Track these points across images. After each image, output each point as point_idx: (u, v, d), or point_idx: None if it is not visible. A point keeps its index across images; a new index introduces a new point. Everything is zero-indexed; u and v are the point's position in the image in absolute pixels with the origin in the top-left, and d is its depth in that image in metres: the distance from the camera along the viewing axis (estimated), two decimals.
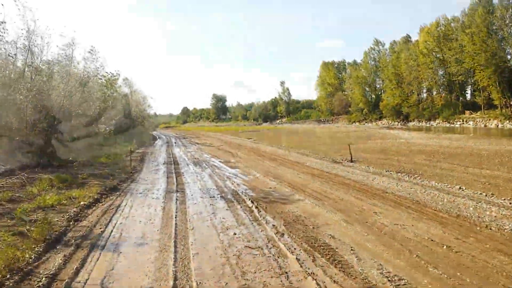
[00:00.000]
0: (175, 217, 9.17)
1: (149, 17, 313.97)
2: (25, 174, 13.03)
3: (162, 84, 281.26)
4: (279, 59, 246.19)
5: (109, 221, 8.94)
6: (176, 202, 10.91)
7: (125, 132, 35.50)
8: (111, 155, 22.91)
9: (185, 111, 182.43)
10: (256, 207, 10.04)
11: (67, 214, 9.23)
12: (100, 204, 10.73)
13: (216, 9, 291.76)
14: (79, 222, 8.82)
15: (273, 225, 8.46)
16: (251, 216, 9.28)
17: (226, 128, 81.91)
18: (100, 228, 8.40)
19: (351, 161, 20.19)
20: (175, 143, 39.78)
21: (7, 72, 18.67)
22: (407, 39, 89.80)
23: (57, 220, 8.72)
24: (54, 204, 9.99)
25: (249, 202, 10.69)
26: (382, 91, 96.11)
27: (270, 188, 13.07)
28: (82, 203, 10.37)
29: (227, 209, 9.99)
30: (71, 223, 8.67)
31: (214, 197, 11.59)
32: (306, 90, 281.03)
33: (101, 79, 34.84)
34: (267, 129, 72.34)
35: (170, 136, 59.01)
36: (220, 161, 21.40)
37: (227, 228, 8.30)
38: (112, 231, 8.24)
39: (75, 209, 9.78)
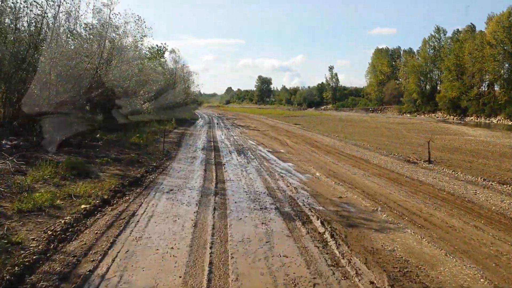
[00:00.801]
0: (210, 247, 5.88)
1: None
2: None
3: (207, 63, 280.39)
4: (325, 45, 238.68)
5: (110, 247, 5.75)
6: (213, 214, 7.61)
7: (166, 110, 32.76)
8: (146, 134, 20.01)
9: (229, 91, 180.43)
10: (332, 235, 6.59)
11: (52, 227, 6.14)
12: (109, 208, 7.58)
13: None
14: (64, 245, 5.69)
15: (371, 283, 5.00)
16: (327, 254, 5.84)
17: (270, 111, 78.34)
18: (92, 262, 5.22)
19: (429, 161, 16.29)
20: (217, 124, 36.77)
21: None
22: (471, 28, 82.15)
23: (33, 240, 5.64)
24: (43, 206, 6.95)
25: (317, 223, 7.25)
26: (439, 82, 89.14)
27: (340, 197, 9.55)
28: (82, 206, 7.29)
29: (287, 236, 6.58)
30: (51, 246, 5.55)
31: (266, 208, 8.21)
32: (352, 78, 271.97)
33: (145, 51, 32.17)
34: (312, 115, 68.10)
35: (213, 116, 56.23)
36: (268, 151, 18.02)
37: (295, 284, 4.90)
38: (108, 270, 5.04)
39: (68, 217, 6.69)
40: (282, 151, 18.22)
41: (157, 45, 34.27)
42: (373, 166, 14.74)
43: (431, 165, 15.56)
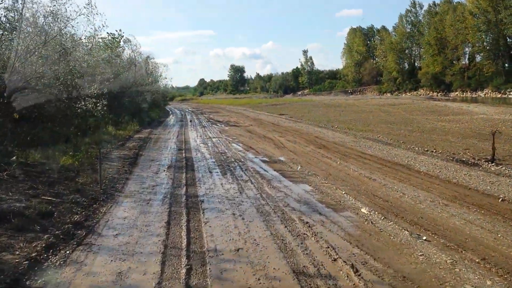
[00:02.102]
0: None
1: None
2: None
3: (178, 57, 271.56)
4: (295, 30, 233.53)
5: None
6: None
7: (127, 108, 26.82)
8: (86, 149, 14.25)
9: (202, 83, 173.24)
10: None
11: None
12: None
13: None
14: None
15: None
16: None
17: (247, 101, 72.54)
18: None
19: (492, 161, 11.27)
20: (190, 121, 30.92)
21: None
22: (448, 0, 78.08)
23: None
24: None
25: None
26: (418, 58, 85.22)
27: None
28: None
29: None
30: None
31: None
32: (323, 60, 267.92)
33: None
34: (293, 102, 62.70)
35: (186, 111, 50.08)
36: (262, 161, 12.57)
37: None
38: None
39: None
40: (281, 159, 12.81)
41: (109, 33, 28.05)
42: (429, 179, 9.53)
43: (499, 167, 10.52)
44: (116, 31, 29.14)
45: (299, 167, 11.22)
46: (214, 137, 19.23)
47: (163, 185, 9.44)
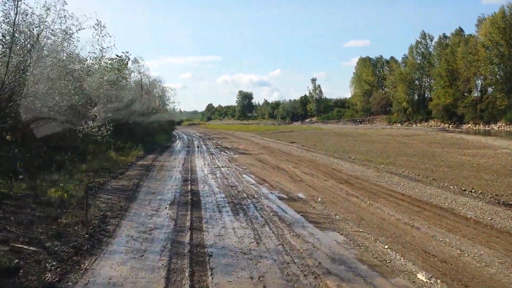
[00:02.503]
0: None
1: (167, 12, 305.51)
2: None
3: (185, 82, 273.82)
4: (302, 59, 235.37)
5: None
6: None
7: (132, 132, 25.45)
8: (80, 177, 12.72)
9: (210, 108, 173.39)
10: None
11: None
12: None
13: (234, 7, 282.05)
14: None
15: None
16: None
17: (255, 128, 71.26)
18: None
19: None
20: (197, 147, 29.42)
21: None
22: (459, 32, 77.46)
23: None
24: None
25: None
26: (428, 89, 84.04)
27: None
28: None
29: None
30: None
31: None
32: (329, 89, 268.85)
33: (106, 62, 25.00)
34: (302, 129, 61.24)
35: (193, 136, 48.73)
36: (279, 197, 10.92)
37: None
38: None
39: None
40: (301, 195, 11.15)
41: (117, 55, 27.00)
42: (483, 229, 7.85)
43: None
44: (123, 53, 28.13)
45: (322, 206, 9.57)
46: (223, 166, 17.64)
47: (163, 229, 7.80)
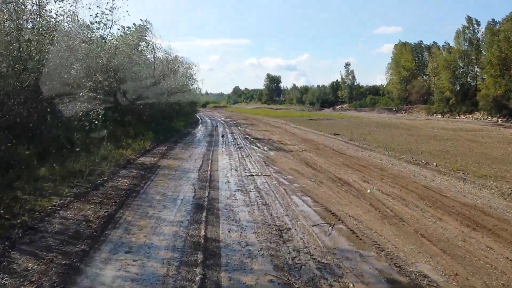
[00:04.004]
0: None
1: None
2: None
3: (213, 63, 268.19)
4: (330, 44, 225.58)
5: None
6: None
7: (141, 116, 19.96)
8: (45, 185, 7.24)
9: (236, 90, 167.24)
10: None
11: None
12: None
13: None
14: None
15: None
16: None
17: (285, 113, 64.89)
18: None
19: None
20: (222, 136, 23.68)
21: None
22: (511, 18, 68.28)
23: None
24: None
25: None
26: (474, 79, 75.54)
27: None
28: None
29: None
30: None
31: None
32: (358, 76, 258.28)
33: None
34: (337, 117, 54.24)
35: (218, 121, 42.98)
36: (390, 280, 5.13)
37: None
38: None
39: None
40: (432, 276, 5.30)
41: (134, 24, 21.26)
42: None
43: None
44: (142, 20, 22.35)
45: None
46: (257, 174, 11.82)
47: None
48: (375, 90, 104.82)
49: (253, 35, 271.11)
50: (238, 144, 19.91)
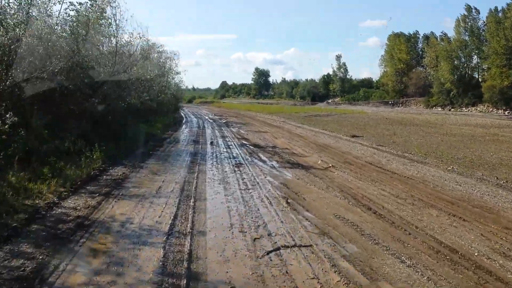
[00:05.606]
0: None
1: None
2: None
3: (199, 59, 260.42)
4: (317, 38, 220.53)
5: None
6: None
7: (98, 117, 13.78)
8: None
9: (224, 85, 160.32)
10: None
11: None
12: None
13: None
14: None
15: None
16: None
17: (278, 109, 58.74)
18: None
19: None
20: (211, 145, 17.54)
21: None
22: None
23: None
24: None
25: None
26: (476, 69, 70.67)
27: None
28: None
29: None
30: None
31: None
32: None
33: None
34: (338, 113, 47.86)
35: (205, 119, 36.62)
36: None
37: None
38: None
39: None
40: None
41: None
42: None
43: None
44: None
45: None
46: (285, 246, 5.83)
47: None
48: (368, 83, 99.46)
49: (240, 30, 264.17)
50: (234, 157, 13.84)
